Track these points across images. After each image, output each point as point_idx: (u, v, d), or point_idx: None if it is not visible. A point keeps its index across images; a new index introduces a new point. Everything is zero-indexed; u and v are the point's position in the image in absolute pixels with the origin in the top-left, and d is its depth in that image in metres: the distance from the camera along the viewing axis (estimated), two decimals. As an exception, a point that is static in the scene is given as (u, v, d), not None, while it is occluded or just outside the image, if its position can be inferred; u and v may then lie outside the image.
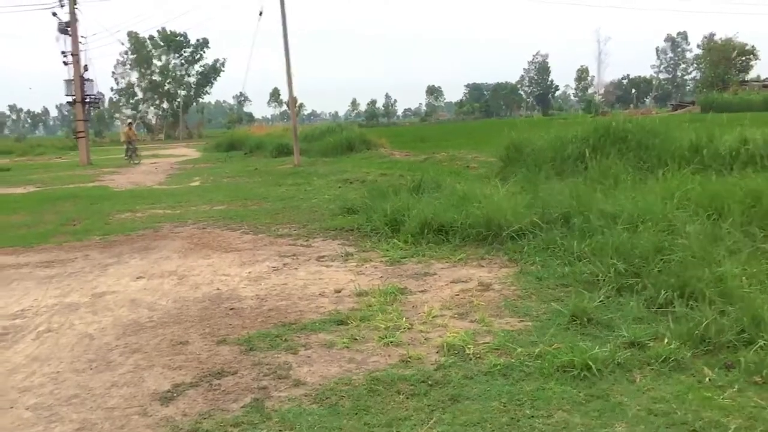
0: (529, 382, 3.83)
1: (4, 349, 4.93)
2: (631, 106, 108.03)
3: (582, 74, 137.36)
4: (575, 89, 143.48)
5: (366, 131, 34.25)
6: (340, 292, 6.07)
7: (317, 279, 6.63)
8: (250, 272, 7.02)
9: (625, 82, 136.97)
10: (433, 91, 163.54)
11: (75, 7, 27.95)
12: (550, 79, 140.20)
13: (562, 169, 10.97)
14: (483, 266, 6.78)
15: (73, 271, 7.43)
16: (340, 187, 15.05)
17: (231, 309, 5.68)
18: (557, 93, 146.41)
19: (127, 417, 3.67)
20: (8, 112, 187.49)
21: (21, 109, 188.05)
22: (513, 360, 4.16)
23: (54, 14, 27.99)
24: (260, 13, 23.95)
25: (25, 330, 5.36)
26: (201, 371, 4.28)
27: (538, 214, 7.56)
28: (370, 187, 11.00)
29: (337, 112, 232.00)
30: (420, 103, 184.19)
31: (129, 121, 39.42)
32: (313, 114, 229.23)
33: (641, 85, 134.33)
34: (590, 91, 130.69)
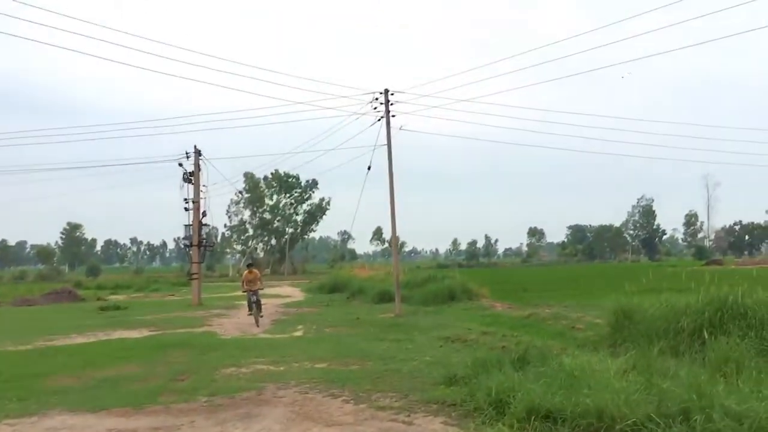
0: None
1: None
2: (746, 253, 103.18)
3: (691, 219, 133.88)
4: (684, 233, 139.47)
5: (466, 275, 34.24)
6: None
7: (419, 469, 6.41)
8: (350, 456, 6.89)
9: (737, 228, 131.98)
10: (535, 233, 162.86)
11: (199, 159, 30.33)
12: (656, 223, 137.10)
13: (676, 344, 10.46)
14: (595, 465, 6.36)
15: (179, 442, 7.55)
16: (441, 346, 14.89)
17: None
18: (664, 237, 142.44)
19: None
20: (129, 245, 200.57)
21: (141, 242, 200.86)
22: None
23: (180, 165, 30.46)
24: (369, 168, 25.05)
25: None
26: None
27: (654, 405, 7.13)
28: (472, 358, 10.77)
29: (437, 250, 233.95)
30: (521, 243, 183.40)
31: (250, 262, 27.59)
32: (414, 251, 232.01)
33: (755, 231, 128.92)
34: (700, 236, 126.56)
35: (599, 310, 19.82)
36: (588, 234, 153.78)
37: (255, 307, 21.28)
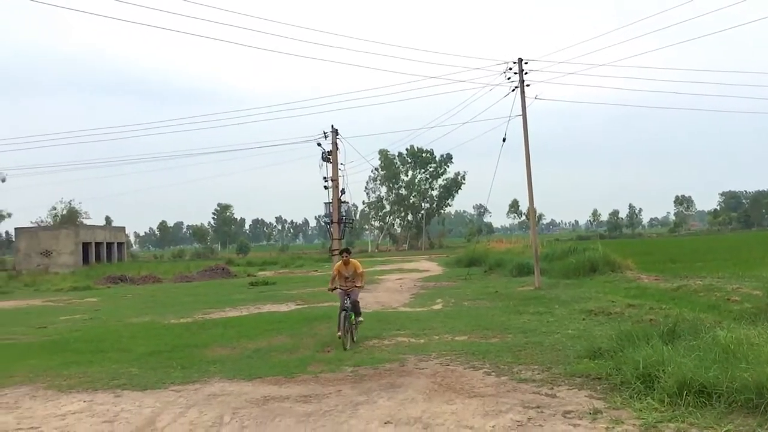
0: None
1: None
2: None
3: None
4: None
5: (609, 246, 32.99)
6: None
7: (564, 442, 6.33)
8: (493, 426, 6.92)
9: None
10: (682, 201, 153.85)
11: (336, 138, 31.15)
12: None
13: None
14: (755, 443, 6.01)
15: (327, 409, 7.89)
16: (584, 319, 14.52)
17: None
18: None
19: None
20: (275, 223, 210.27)
21: (285, 221, 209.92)
22: None
23: (319, 144, 31.42)
24: (503, 140, 24.63)
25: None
26: None
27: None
28: (617, 331, 10.42)
29: (576, 221, 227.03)
30: (667, 212, 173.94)
31: (346, 247, 15.75)
32: (552, 224, 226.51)
33: None
34: None
35: (758, 281, 18.55)
36: (743, 200, 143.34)
37: (346, 318, 12.48)
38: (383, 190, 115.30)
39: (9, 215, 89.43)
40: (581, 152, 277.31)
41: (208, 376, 10.27)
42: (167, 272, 49.87)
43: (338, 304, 13.39)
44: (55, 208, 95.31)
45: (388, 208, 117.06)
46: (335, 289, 13.41)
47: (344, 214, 33.14)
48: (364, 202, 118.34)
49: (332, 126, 31.74)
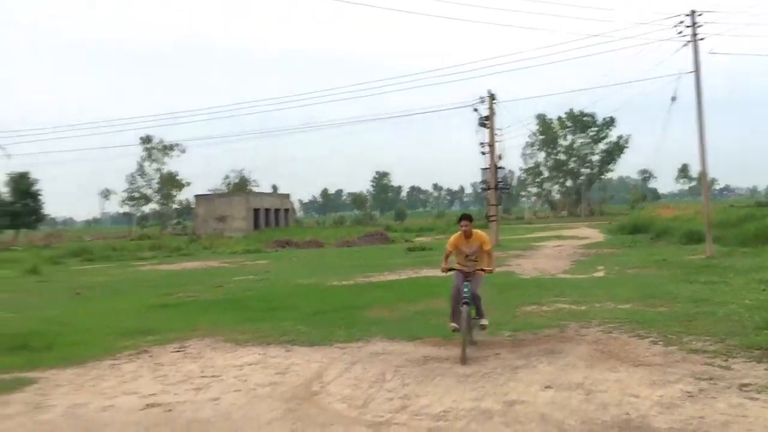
0: None
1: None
2: None
3: None
4: None
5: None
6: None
7: (740, 416, 5.95)
8: (661, 396, 6.64)
9: None
10: None
11: (493, 103, 30.75)
12: None
13: None
14: None
15: (486, 372, 7.94)
16: (764, 290, 13.44)
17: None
18: None
19: None
20: (431, 190, 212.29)
21: (441, 188, 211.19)
22: None
23: (475, 110, 31.23)
24: (673, 99, 23.11)
25: (446, 433, 5.88)
26: None
27: None
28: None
29: (755, 187, 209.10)
30: None
31: (466, 213, 9.78)
32: (726, 189, 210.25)
33: None
34: None
35: None
36: None
37: (466, 312, 8.90)
38: (541, 155, 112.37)
39: (188, 183, 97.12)
40: (762, 111, 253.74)
41: (370, 335, 10.65)
42: (329, 237, 51.98)
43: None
44: (228, 177, 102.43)
45: (546, 174, 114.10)
46: (450, 270, 9.34)
47: (501, 180, 32.80)
48: (520, 168, 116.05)
49: (488, 91, 31.36)
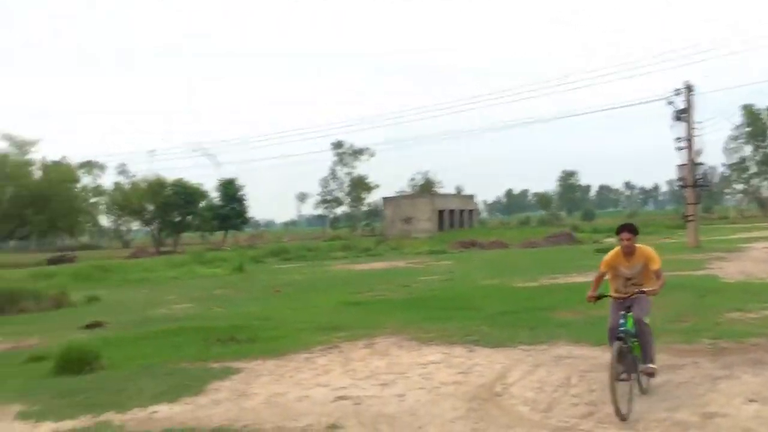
0: None
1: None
2: None
3: None
4: None
5: None
6: None
7: None
8: None
9: None
10: None
11: (690, 94, 28.70)
12: None
13: None
14: None
15: (682, 381, 7.46)
16: None
17: None
18: None
19: None
20: (623, 189, 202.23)
21: (634, 186, 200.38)
22: None
23: (670, 103, 29.30)
24: None
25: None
26: None
27: None
28: None
29: None
30: None
31: (628, 223, 7.42)
32: None
33: None
34: None
35: None
36: None
37: (624, 353, 6.50)
38: (747, 149, 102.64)
39: (377, 186, 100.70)
40: None
41: (554, 338, 10.42)
42: (513, 238, 51.35)
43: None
44: (413, 179, 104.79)
45: (753, 169, 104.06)
46: (600, 298, 7.19)
47: (700, 176, 30.52)
48: (723, 164, 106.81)
49: (685, 82, 29.28)
